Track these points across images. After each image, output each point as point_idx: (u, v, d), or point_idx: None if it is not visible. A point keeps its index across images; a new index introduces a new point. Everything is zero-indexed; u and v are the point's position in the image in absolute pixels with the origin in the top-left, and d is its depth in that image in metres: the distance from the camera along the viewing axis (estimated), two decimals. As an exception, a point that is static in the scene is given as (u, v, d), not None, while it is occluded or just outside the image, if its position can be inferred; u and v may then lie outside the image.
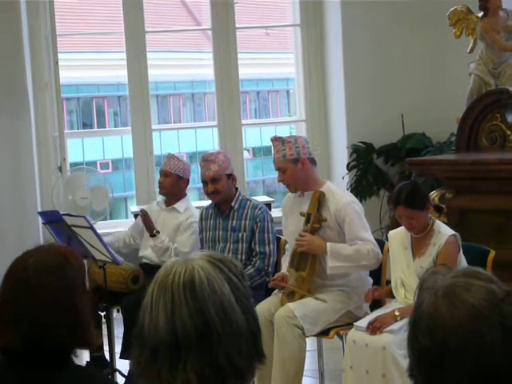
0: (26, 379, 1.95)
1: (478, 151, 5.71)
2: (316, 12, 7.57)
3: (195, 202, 7.11)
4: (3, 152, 6.87)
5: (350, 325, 4.28)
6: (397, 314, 4.02)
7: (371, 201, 7.11)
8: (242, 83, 7.78)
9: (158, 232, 5.27)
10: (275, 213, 6.01)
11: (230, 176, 4.99)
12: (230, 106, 7.56)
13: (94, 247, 4.81)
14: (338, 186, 4.77)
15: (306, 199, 4.51)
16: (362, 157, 7.23)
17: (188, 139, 9.21)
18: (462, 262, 4.10)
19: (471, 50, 5.99)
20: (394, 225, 4.66)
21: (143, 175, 7.37)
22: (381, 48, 7.34)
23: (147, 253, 5.38)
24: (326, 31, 7.57)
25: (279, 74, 9.57)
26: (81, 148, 8.63)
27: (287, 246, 4.70)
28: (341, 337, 4.47)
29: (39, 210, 6.77)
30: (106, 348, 5.10)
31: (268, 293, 4.69)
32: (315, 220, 4.40)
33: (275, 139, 4.55)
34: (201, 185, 5.13)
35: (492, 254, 4.26)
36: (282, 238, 5.00)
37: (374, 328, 4.00)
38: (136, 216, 6.63)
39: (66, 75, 7.10)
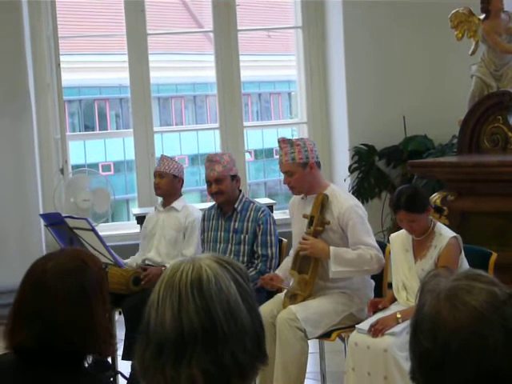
0: (37, 379, 1.97)
1: (480, 153, 5.71)
2: (318, 14, 7.58)
3: (197, 204, 7.11)
4: (5, 154, 6.88)
5: (351, 327, 4.28)
6: (398, 316, 4.02)
7: (373, 203, 7.11)
8: (243, 85, 7.79)
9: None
10: (277, 215, 6.02)
11: (234, 177, 5.00)
12: (232, 108, 7.56)
13: (95, 249, 4.81)
14: (341, 189, 4.76)
15: (309, 201, 4.51)
16: (364, 159, 7.23)
17: (190, 141, 9.22)
18: (464, 263, 4.09)
19: (473, 52, 5.99)
20: (396, 227, 4.65)
21: (145, 177, 7.37)
22: (382, 50, 7.34)
23: (150, 255, 5.38)
24: (327, 33, 7.57)
25: (281, 76, 9.57)
26: (83, 150, 8.64)
27: (291, 252, 4.69)
28: (343, 339, 4.47)
29: (41, 212, 6.77)
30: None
31: (270, 295, 4.69)
32: (318, 223, 4.39)
33: (283, 141, 4.51)
34: (202, 186, 5.14)
35: (494, 256, 4.26)
36: (284, 240, 5.01)
37: (376, 330, 3.99)
38: (138, 219, 6.65)
39: (67, 77, 7.11)
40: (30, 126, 6.98)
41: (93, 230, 4.80)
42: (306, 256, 4.40)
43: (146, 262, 5.40)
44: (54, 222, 5.10)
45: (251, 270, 4.83)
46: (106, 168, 9.65)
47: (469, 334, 1.37)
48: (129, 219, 7.94)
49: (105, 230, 6.69)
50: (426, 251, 4.14)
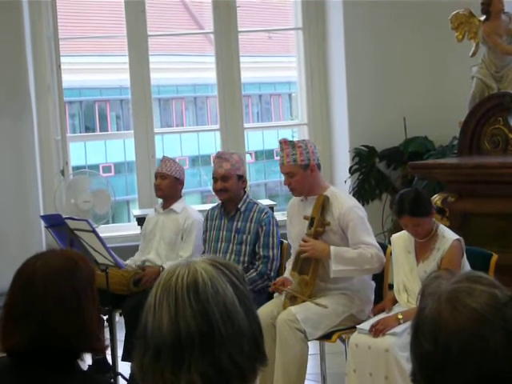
0: (32, 381, 1.96)
1: (481, 155, 5.71)
2: (318, 15, 7.58)
3: (197, 206, 7.11)
4: (6, 155, 6.88)
5: (352, 328, 4.28)
6: (400, 316, 4.02)
7: (373, 204, 7.11)
8: (244, 87, 7.79)
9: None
10: (277, 216, 6.00)
11: (241, 178, 5.01)
12: (233, 110, 7.57)
13: (96, 251, 4.81)
14: (341, 190, 4.76)
15: (309, 203, 4.51)
16: (365, 160, 7.23)
17: (190, 143, 9.21)
18: (466, 266, 4.09)
19: (473, 54, 5.99)
20: (397, 228, 4.66)
21: (145, 179, 7.37)
22: (383, 51, 7.34)
23: (150, 256, 5.38)
24: (327, 35, 7.57)
25: (281, 78, 9.56)
26: (83, 151, 8.63)
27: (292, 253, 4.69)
28: (343, 340, 4.47)
29: (42, 213, 6.77)
30: (108, 351, 5.09)
31: (270, 296, 4.69)
32: (319, 224, 4.40)
33: (285, 142, 4.52)
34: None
35: (494, 257, 4.26)
36: (285, 242, 5.01)
37: (377, 330, 3.99)
38: (138, 220, 6.65)
39: (68, 79, 7.11)
40: (30, 127, 6.99)
41: (93, 231, 4.80)
42: (306, 257, 4.40)
43: (146, 263, 5.40)
44: (55, 223, 5.10)
45: (252, 271, 4.83)
46: (107, 169, 9.64)
47: (469, 336, 1.37)
48: (129, 220, 7.93)
49: (105, 231, 6.69)
50: (428, 253, 4.14)
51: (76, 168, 7.37)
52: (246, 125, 7.75)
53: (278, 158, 4.69)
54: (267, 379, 4.29)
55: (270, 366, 4.18)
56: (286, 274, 4.66)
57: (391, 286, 4.39)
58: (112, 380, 4.80)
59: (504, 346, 1.37)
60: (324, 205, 4.41)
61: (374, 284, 4.57)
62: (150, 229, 5.46)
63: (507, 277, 2.39)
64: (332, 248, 4.32)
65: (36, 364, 1.96)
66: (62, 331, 1.97)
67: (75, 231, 4.84)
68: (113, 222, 7.63)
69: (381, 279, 4.57)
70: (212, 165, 5.31)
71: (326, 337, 4.41)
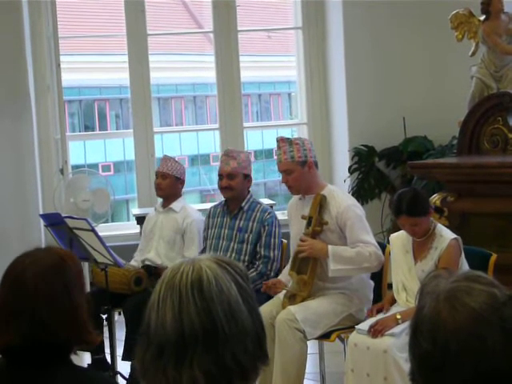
0: (25, 378, 1.97)
1: (480, 154, 5.71)
2: (317, 15, 7.58)
3: (197, 205, 7.11)
4: (5, 154, 6.88)
5: (351, 328, 4.28)
6: (398, 317, 4.02)
7: (373, 204, 7.11)
8: (243, 86, 7.79)
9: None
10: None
11: (247, 177, 5.01)
12: (232, 109, 7.56)
13: (95, 250, 4.81)
14: (339, 189, 4.77)
15: (307, 202, 4.51)
16: (364, 160, 7.23)
17: (190, 142, 9.21)
18: (464, 265, 4.09)
19: (473, 54, 5.99)
20: (396, 228, 4.66)
21: (145, 178, 7.37)
22: (382, 51, 7.34)
23: (150, 256, 5.38)
24: (327, 34, 7.57)
25: (281, 77, 9.57)
26: (82, 150, 8.64)
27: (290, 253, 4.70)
28: (342, 340, 4.47)
29: (41, 212, 6.77)
30: (107, 351, 5.10)
31: (269, 296, 4.69)
32: (317, 223, 4.40)
33: (282, 140, 4.52)
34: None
35: (493, 257, 4.26)
36: (285, 242, 5.01)
37: (376, 331, 3.99)
38: (137, 219, 6.65)
39: (67, 78, 7.11)
40: (29, 126, 6.98)
41: (92, 230, 4.80)
42: (304, 256, 4.40)
43: (146, 262, 5.40)
44: (54, 222, 5.11)
45: (252, 270, 4.83)
46: (106, 168, 9.64)
47: (467, 335, 1.38)
48: (129, 219, 7.93)
49: (104, 230, 6.69)
50: (426, 253, 4.14)
51: (75, 167, 7.36)
52: (245, 124, 7.75)
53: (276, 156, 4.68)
54: (266, 379, 4.29)
55: (269, 365, 4.18)
56: (281, 276, 4.66)
57: (390, 286, 4.39)
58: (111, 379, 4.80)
59: (502, 345, 1.37)
60: (321, 204, 4.41)
61: (372, 283, 4.57)
62: (150, 228, 5.46)
63: (506, 276, 2.40)
64: (330, 247, 4.32)
65: (29, 361, 1.97)
66: (54, 328, 1.97)
67: (74, 230, 4.85)
68: (112, 221, 7.63)
69: (379, 279, 4.57)
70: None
71: (325, 336, 4.41)
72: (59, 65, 6.56)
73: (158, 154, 7.52)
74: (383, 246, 4.55)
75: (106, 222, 7.02)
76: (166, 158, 5.48)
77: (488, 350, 1.37)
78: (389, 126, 7.21)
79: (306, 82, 7.69)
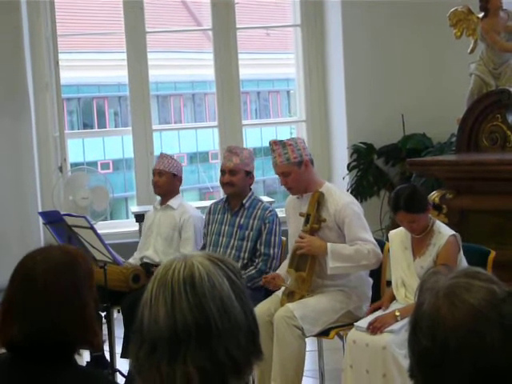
0: (31, 375, 1.97)
1: (479, 152, 5.71)
2: (316, 12, 7.58)
3: (196, 202, 7.11)
4: (4, 152, 6.88)
5: (350, 325, 4.28)
6: (397, 314, 4.02)
7: (372, 201, 7.11)
8: (242, 83, 7.79)
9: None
10: (276, 213, 6.01)
11: (249, 174, 5.01)
12: (231, 107, 7.56)
13: (94, 247, 4.81)
14: (336, 187, 4.77)
15: (305, 200, 4.51)
16: (363, 157, 7.24)
17: (188, 139, 9.22)
18: (463, 262, 4.09)
19: (472, 51, 5.99)
20: (395, 225, 4.66)
21: (144, 175, 7.37)
22: (381, 48, 7.34)
23: (148, 253, 5.39)
24: (326, 31, 7.57)
25: (280, 75, 9.58)
26: (81, 148, 8.65)
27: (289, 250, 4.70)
28: (341, 337, 4.47)
29: (40, 210, 6.77)
30: (106, 348, 5.10)
31: (268, 294, 4.69)
32: (314, 220, 4.40)
33: (275, 143, 4.50)
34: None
35: (492, 254, 4.26)
36: (284, 239, 5.01)
37: (375, 328, 3.99)
38: (136, 217, 6.65)
39: (66, 75, 7.11)
40: (28, 124, 6.99)
41: (91, 228, 4.79)
42: (303, 254, 4.40)
43: (144, 259, 5.41)
44: (53, 219, 5.10)
45: (251, 268, 4.83)
46: (105, 166, 9.65)
47: (466, 331, 1.38)
48: (127, 217, 7.94)
49: (103, 228, 6.69)
50: (425, 249, 4.15)
51: (74, 165, 7.37)
52: (244, 121, 7.75)
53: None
54: (265, 376, 4.30)
55: (267, 362, 4.19)
56: (279, 271, 4.66)
57: (389, 283, 4.39)
58: (110, 377, 4.80)
59: (501, 342, 1.37)
60: (319, 201, 4.41)
61: (371, 281, 4.57)
62: (148, 226, 5.47)
63: (505, 273, 2.40)
64: (329, 245, 4.32)
65: (34, 358, 1.96)
66: (62, 326, 1.97)
67: (73, 228, 4.84)
68: (111, 219, 7.64)
69: (378, 276, 4.57)
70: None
71: (324, 333, 4.41)
72: (58, 63, 6.56)
73: (157, 152, 7.53)
74: (382, 244, 4.54)
75: (105, 219, 7.02)
76: (162, 156, 5.49)
77: (487, 346, 1.37)
78: (387, 123, 7.22)
79: (305, 80, 7.69)
